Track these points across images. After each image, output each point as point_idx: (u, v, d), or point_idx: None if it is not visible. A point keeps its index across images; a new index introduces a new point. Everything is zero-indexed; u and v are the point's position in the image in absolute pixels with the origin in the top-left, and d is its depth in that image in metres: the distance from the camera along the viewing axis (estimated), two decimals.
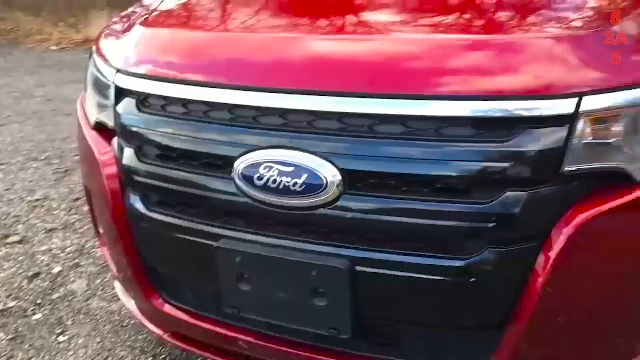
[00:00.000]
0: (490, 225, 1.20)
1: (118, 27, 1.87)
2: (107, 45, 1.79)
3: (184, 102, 1.46)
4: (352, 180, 1.26)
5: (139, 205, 1.54)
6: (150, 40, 1.63)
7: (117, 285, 1.98)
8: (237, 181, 1.34)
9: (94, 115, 1.72)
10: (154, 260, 1.62)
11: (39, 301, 2.39)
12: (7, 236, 2.90)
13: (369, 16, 1.66)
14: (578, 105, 1.18)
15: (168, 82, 1.49)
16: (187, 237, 1.47)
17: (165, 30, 1.71)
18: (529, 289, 1.23)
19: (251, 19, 1.74)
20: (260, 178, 1.31)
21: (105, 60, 1.69)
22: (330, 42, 1.44)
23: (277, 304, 1.37)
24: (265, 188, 1.30)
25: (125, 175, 1.55)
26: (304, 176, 1.27)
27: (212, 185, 1.41)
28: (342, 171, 1.25)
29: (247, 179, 1.32)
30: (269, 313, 1.41)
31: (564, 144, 1.18)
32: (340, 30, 1.55)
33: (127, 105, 1.55)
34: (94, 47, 1.84)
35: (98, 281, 2.50)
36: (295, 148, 1.29)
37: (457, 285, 1.25)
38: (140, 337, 2.15)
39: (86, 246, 2.78)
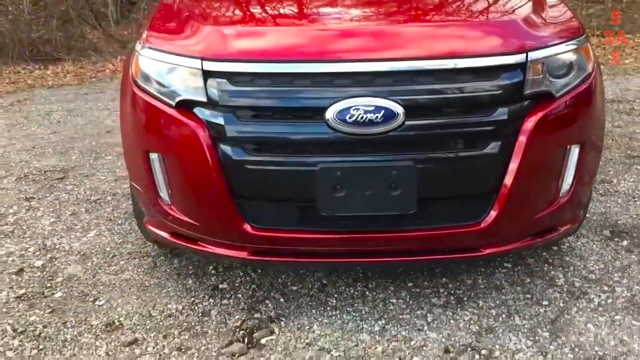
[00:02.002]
0: (492, 128, 2.09)
1: (172, 25, 2.44)
2: (173, 42, 2.33)
3: (271, 75, 2.10)
4: (410, 111, 2.04)
5: (240, 154, 2.13)
6: (230, 33, 2.25)
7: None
8: (332, 122, 2.04)
9: (175, 97, 2.22)
10: (251, 195, 2.19)
11: None
12: None
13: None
14: (526, 57, 2.12)
15: (255, 62, 2.12)
16: (288, 169, 2.12)
17: (243, 25, 2.44)
18: (510, 163, 2.14)
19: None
20: (351, 117, 2.03)
21: (179, 53, 2.22)
22: (378, 27, 2.29)
23: (363, 200, 2.10)
24: (355, 123, 2.03)
25: (223, 133, 2.12)
26: (382, 111, 2.03)
27: (308, 128, 2.08)
28: (404, 106, 2.03)
29: (341, 119, 2.03)
30: (357, 207, 2.12)
31: (523, 78, 2.11)
32: (387, 16, 2.39)
33: (219, 83, 2.13)
34: (147, 49, 2.32)
35: None
36: (371, 95, 2.04)
37: (477, 166, 2.12)
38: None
39: None
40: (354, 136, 2.06)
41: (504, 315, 2.39)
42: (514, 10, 2.42)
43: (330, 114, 2.05)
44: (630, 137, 4.56)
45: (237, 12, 2.64)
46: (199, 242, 2.38)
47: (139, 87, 2.35)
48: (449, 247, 2.27)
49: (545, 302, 2.45)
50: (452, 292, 2.54)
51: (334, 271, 2.69)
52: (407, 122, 2.05)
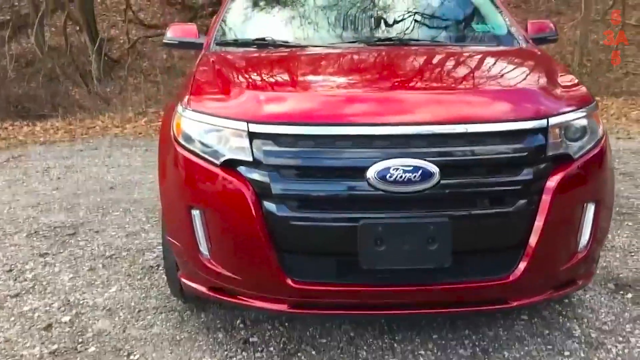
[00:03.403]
0: (519, 187, 2.26)
1: (214, 88, 2.60)
2: (217, 105, 2.47)
3: (314, 137, 2.26)
4: (444, 170, 2.20)
5: (285, 211, 2.25)
6: (274, 97, 2.42)
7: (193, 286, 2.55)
8: (373, 181, 2.18)
9: (219, 157, 2.34)
10: (293, 249, 2.30)
11: None
12: None
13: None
14: (547, 122, 2.31)
15: (298, 125, 2.28)
16: (330, 224, 2.25)
17: (285, 90, 2.60)
18: (536, 219, 2.29)
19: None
20: (391, 176, 2.18)
21: (224, 116, 2.37)
22: (415, 93, 2.50)
23: (402, 254, 2.23)
24: (395, 182, 2.18)
25: (269, 191, 2.25)
26: (420, 171, 2.18)
27: (350, 187, 2.22)
28: (439, 166, 2.19)
29: (382, 178, 2.18)
30: (397, 261, 2.25)
31: (545, 142, 2.30)
32: (421, 83, 2.61)
33: (264, 144, 2.27)
34: (190, 111, 2.46)
35: None
36: (409, 156, 2.20)
37: (506, 222, 2.28)
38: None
39: None
40: (394, 194, 2.21)
41: None
42: (532, 79, 2.64)
43: (371, 173, 2.20)
44: (617, 194, 4.80)
45: (277, 76, 2.81)
46: (238, 296, 2.48)
47: (182, 146, 2.47)
48: (480, 299, 2.40)
49: (567, 353, 2.57)
50: (477, 343, 2.65)
51: (359, 323, 2.78)
52: (442, 181, 2.21)
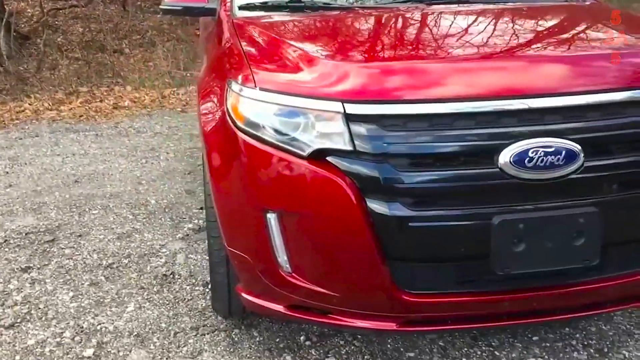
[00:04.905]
0: None
1: (283, 61, 2.09)
2: (296, 82, 1.97)
3: (429, 117, 1.82)
4: (588, 150, 1.83)
5: (399, 209, 1.81)
6: (375, 70, 1.95)
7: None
8: (508, 167, 1.78)
9: (306, 147, 1.87)
10: (409, 256, 1.88)
11: None
12: None
13: None
14: None
15: (410, 103, 1.83)
16: (457, 224, 1.83)
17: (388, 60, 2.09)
18: None
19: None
20: (530, 160, 1.78)
21: (310, 95, 1.89)
22: (544, 58, 2.08)
23: (544, 253, 1.85)
24: (535, 167, 1.79)
25: (377, 186, 1.81)
26: (563, 152, 1.80)
27: (479, 176, 1.81)
28: (582, 145, 1.82)
29: (519, 163, 1.78)
30: (537, 263, 1.86)
31: None
32: (536, 50, 2.20)
33: (368, 129, 1.82)
34: (256, 91, 1.96)
35: None
36: (547, 135, 1.81)
37: None
38: None
39: None
40: (535, 182, 1.82)
41: None
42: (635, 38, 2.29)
43: (504, 158, 1.80)
44: None
45: (358, 43, 2.32)
46: (330, 315, 2.03)
47: (249, 134, 1.97)
48: (621, 297, 2.06)
49: None
50: (585, 343, 2.34)
51: (446, 332, 2.41)
52: (587, 163, 1.84)
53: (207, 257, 3.07)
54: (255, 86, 1.99)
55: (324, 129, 1.88)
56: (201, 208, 3.78)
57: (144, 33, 11.46)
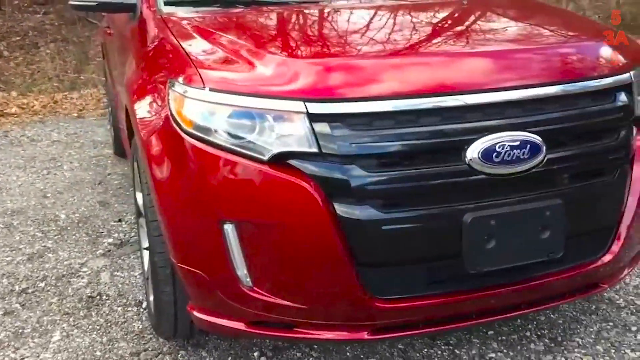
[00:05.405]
0: (618, 153, 1.95)
1: (233, 59, 1.92)
2: (250, 81, 1.82)
3: (397, 114, 1.74)
4: (548, 142, 1.81)
5: (369, 213, 1.72)
6: (336, 66, 1.84)
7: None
8: (476, 163, 1.74)
9: (265, 150, 1.72)
10: (379, 260, 1.78)
11: None
12: None
13: None
14: (631, 77, 2.02)
15: (376, 100, 1.74)
16: (428, 224, 1.76)
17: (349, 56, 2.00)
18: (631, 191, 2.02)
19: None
20: (497, 155, 1.75)
21: (268, 95, 1.75)
22: (505, 52, 2.05)
23: (513, 249, 1.83)
24: (503, 162, 1.76)
25: (345, 189, 1.71)
26: (528, 146, 1.78)
27: (448, 173, 1.75)
28: (543, 137, 1.80)
29: (486, 157, 1.74)
30: (507, 259, 1.83)
31: (632, 98, 2.01)
32: (498, 42, 2.17)
33: (333, 128, 1.71)
34: (206, 92, 1.79)
35: None
36: (510, 129, 1.78)
37: (610, 194, 1.98)
38: None
39: None
40: (502, 177, 1.78)
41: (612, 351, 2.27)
42: (588, 35, 2.31)
43: (471, 153, 1.75)
44: None
45: (312, 39, 2.19)
46: (296, 329, 1.90)
47: (199, 139, 1.80)
48: (579, 287, 2.08)
49: (634, 328, 2.38)
50: (539, 333, 2.36)
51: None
52: (549, 155, 1.83)
53: (136, 274, 2.88)
54: (204, 86, 1.82)
55: (285, 131, 1.74)
56: (119, 220, 3.51)
57: (23, 34, 10.70)
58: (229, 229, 1.79)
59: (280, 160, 1.74)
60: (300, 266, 1.80)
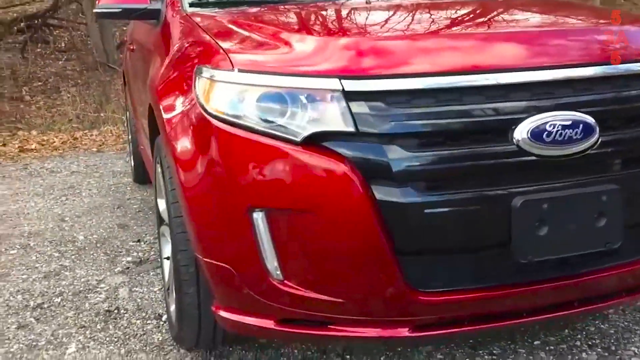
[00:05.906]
0: None
1: (260, 40, 1.85)
2: (282, 60, 1.73)
3: (438, 92, 1.63)
4: (602, 123, 1.69)
5: (412, 195, 1.59)
6: (373, 44, 1.74)
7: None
8: (524, 143, 1.62)
9: (298, 131, 1.62)
10: (419, 249, 1.65)
11: None
12: None
13: None
14: None
15: (415, 77, 1.64)
16: (474, 208, 1.63)
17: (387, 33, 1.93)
18: None
19: None
20: (549, 134, 1.63)
21: (301, 73, 1.66)
22: (551, 30, 1.98)
23: (565, 237, 1.68)
24: (554, 142, 1.63)
25: (387, 171, 1.59)
26: (580, 126, 1.66)
27: (493, 153, 1.62)
28: (596, 118, 1.68)
29: (537, 137, 1.62)
30: (561, 248, 1.68)
31: None
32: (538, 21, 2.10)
33: (372, 107, 1.60)
34: (234, 73, 1.70)
35: None
36: (561, 108, 1.66)
37: None
38: None
39: None
40: (554, 158, 1.65)
41: None
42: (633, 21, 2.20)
43: (520, 133, 1.63)
44: None
45: (346, 25, 2.11)
46: (331, 326, 1.75)
47: (227, 122, 1.70)
48: (637, 285, 1.92)
49: None
50: (590, 343, 2.18)
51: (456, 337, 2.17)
52: (602, 138, 1.71)
53: (155, 289, 2.75)
54: (233, 68, 1.74)
55: (319, 110, 1.64)
56: (138, 240, 3.40)
57: (45, 79, 10.86)
58: (258, 217, 1.67)
59: (314, 142, 1.63)
60: (336, 255, 1.66)
